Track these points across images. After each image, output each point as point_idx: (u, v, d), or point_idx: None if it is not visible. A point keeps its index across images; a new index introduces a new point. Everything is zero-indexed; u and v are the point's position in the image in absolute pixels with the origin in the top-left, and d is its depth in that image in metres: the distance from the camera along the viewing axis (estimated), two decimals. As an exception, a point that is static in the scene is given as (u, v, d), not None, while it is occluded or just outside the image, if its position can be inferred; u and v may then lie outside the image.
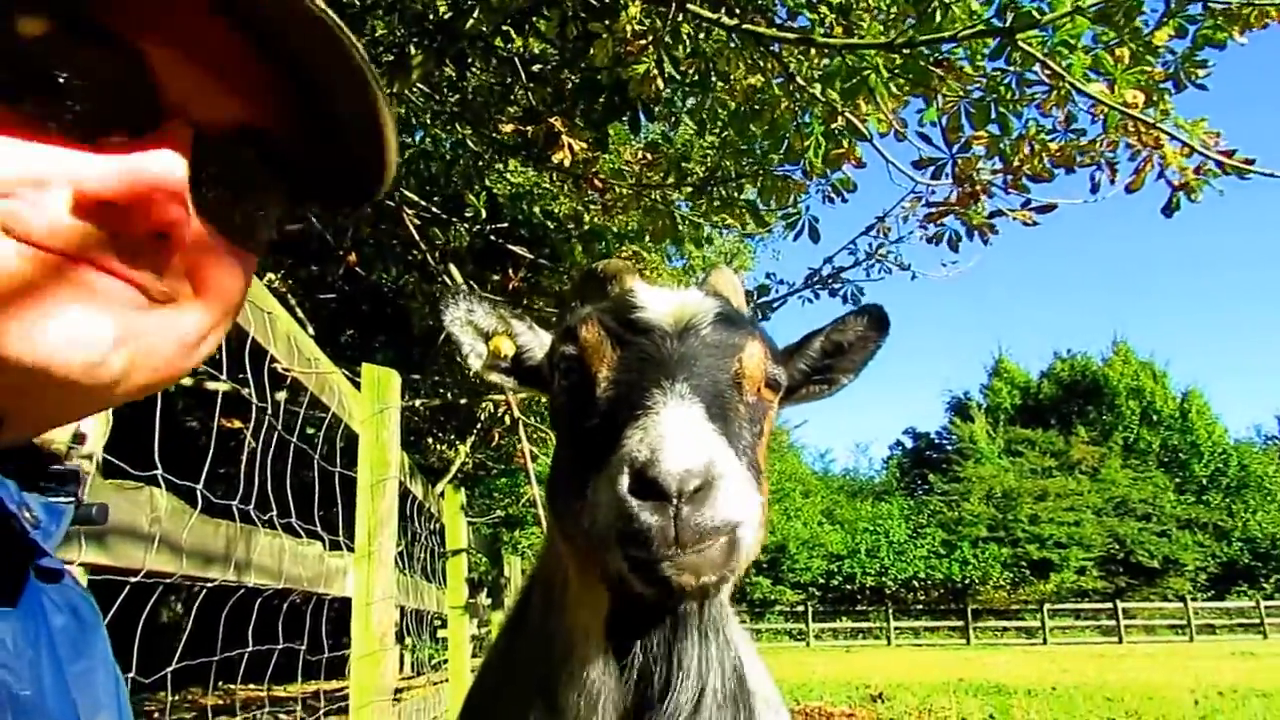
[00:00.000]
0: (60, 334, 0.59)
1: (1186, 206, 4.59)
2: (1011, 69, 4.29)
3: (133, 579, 1.72)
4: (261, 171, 0.73)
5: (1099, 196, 4.86)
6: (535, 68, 5.47)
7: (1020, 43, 3.68)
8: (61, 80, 0.59)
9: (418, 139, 6.53)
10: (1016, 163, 4.66)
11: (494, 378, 1.48)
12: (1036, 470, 41.29)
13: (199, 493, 2.01)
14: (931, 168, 4.73)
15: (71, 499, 0.76)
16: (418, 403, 8.13)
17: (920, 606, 37.59)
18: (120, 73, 0.62)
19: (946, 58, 4.35)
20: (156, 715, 6.52)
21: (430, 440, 11.81)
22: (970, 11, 3.98)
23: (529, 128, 4.59)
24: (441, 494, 7.15)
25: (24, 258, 0.57)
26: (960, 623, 33.23)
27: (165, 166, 0.62)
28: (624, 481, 0.98)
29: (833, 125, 4.35)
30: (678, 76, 4.75)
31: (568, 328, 1.29)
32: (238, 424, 2.89)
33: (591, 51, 3.74)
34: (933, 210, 5.24)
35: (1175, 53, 4.18)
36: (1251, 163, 4.20)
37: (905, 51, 4.17)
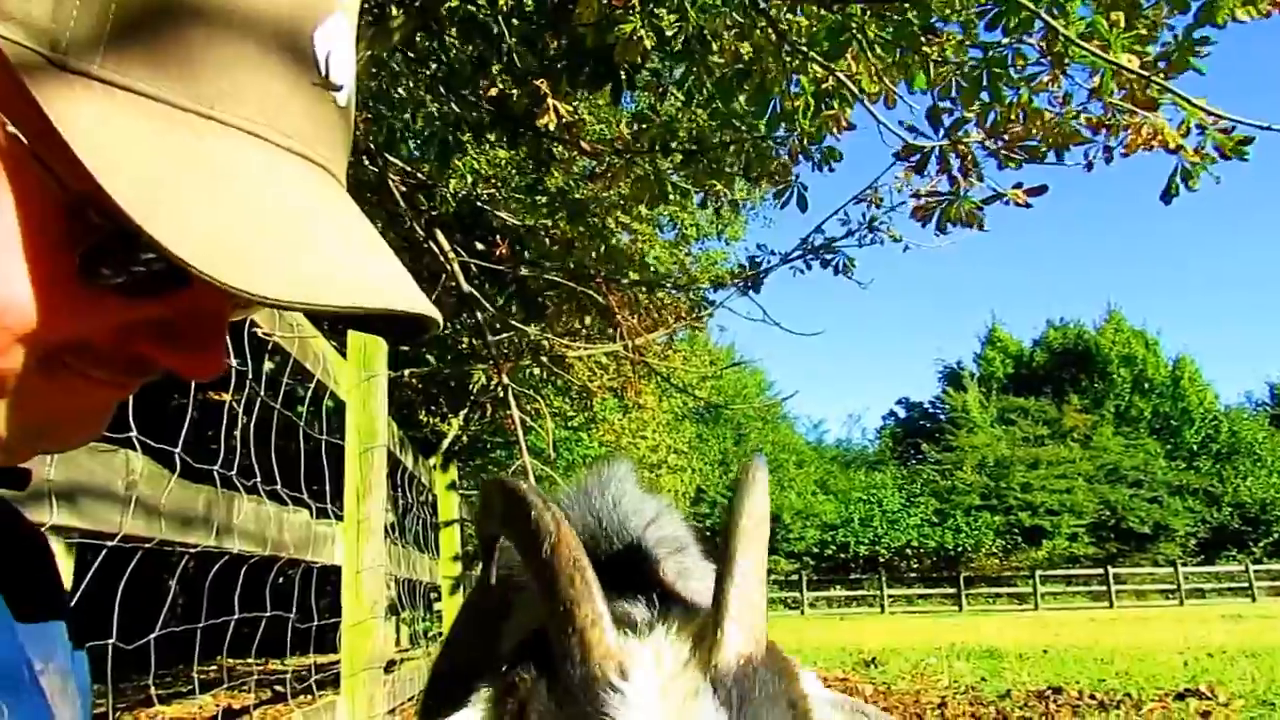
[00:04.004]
0: (90, 436, 0.65)
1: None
2: (1007, 41, 4.22)
3: (109, 543, 1.70)
4: None
5: (1094, 166, 4.79)
6: (513, 41, 5.38)
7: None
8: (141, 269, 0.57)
9: (403, 107, 6.44)
10: (1007, 134, 4.58)
11: None
12: (1029, 438, 41.51)
13: (177, 456, 1.98)
14: (917, 155, 4.65)
15: None
16: (406, 373, 8.09)
17: (913, 574, 37.92)
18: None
19: (934, 28, 4.29)
20: (150, 688, 6.53)
21: (422, 414, 11.80)
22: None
23: (514, 91, 4.53)
24: (434, 467, 7.16)
25: (79, 389, 0.60)
26: (953, 590, 33.52)
27: (216, 369, 0.62)
28: None
29: (823, 85, 4.29)
30: (664, 45, 4.67)
31: None
32: (225, 397, 2.85)
33: (577, 10, 3.66)
34: (920, 203, 5.17)
35: (1175, 29, 4.09)
36: (1250, 142, 4.09)
37: (895, 18, 4.11)
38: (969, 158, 4.67)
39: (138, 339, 0.59)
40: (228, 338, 0.66)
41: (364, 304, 0.54)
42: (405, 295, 0.58)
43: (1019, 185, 4.77)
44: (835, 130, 4.59)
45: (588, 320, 7.85)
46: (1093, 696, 7.14)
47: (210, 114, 0.53)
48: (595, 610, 0.86)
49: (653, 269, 8.44)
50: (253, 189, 0.54)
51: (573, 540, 0.90)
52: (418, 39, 5.13)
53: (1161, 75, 4.01)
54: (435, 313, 0.61)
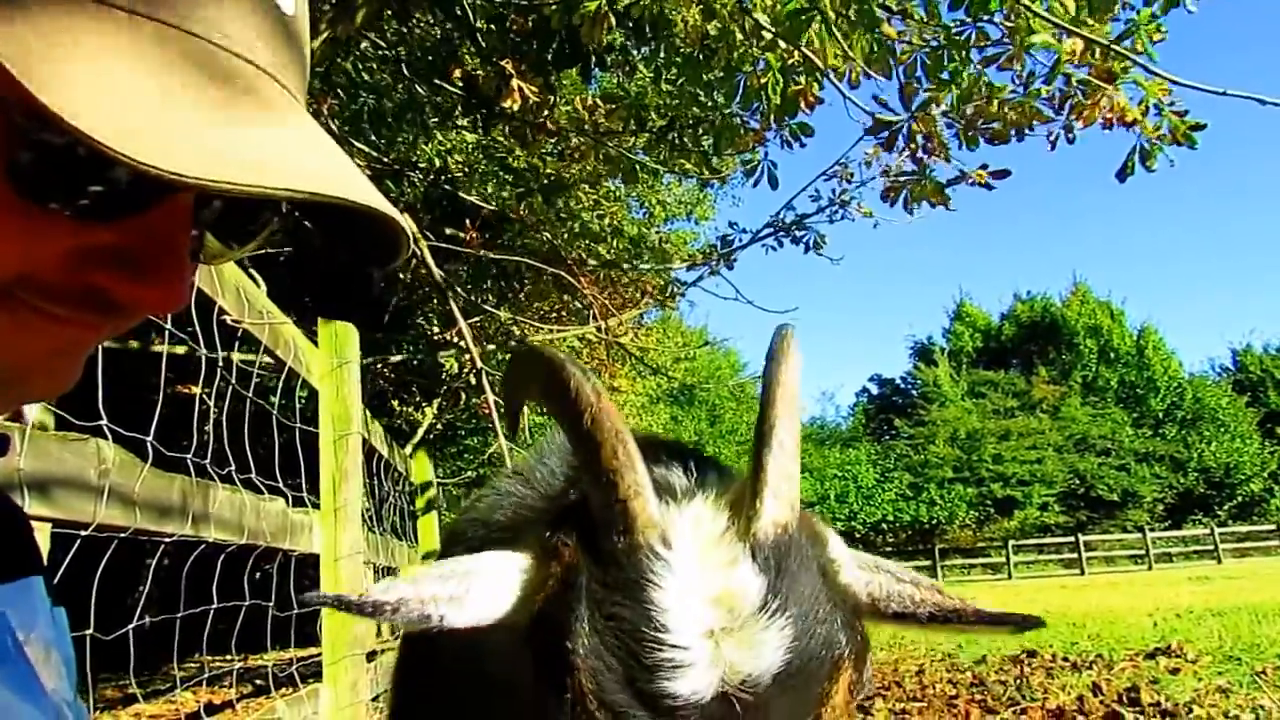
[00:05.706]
0: (66, 383, 0.63)
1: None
2: (969, 20, 4.23)
3: (83, 532, 1.67)
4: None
5: (1056, 145, 4.83)
6: (479, 24, 5.32)
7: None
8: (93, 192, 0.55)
9: (367, 93, 6.35)
10: (971, 111, 4.60)
11: None
12: (999, 411, 42.07)
13: (150, 445, 1.95)
14: (885, 132, 4.66)
15: None
16: (378, 361, 8.03)
17: (889, 548, 38.37)
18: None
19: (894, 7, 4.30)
20: (131, 684, 6.49)
21: (396, 403, 11.71)
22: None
23: (480, 72, 4.48)
24: (411, 456, 7.12)
25: (40, 328, 0.58)
26: (928, 562, 33.99)
27: (177, 300, 0.59)
28: None
29: (790, 62, 4.29)
30: (629, 23, 4.62)
31: (555, 664, 0.84)
32: (195, 389, 2.82)
33: (540, -12, 3.62)
34: (890, 183, 5.19)
35: (1137, 9, 4.13)
36: (1201, 128, 4.13)
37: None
38: (936, 138, 4.69)
39: (90, 268, 0.56)
40: (191, 274, 0.63)
41: (300, 187, 0.51)
42: (356, 189, 0.55)
43: (984, 166, 4.83)
44: (805, 105, 4.58)
45: (560, 302, 7.82)
46: (1066, 658, 7.28)
47: (134, 9, 0.51)
48: (638, 480, 0.87)
49: (625, 239, 8.40)
50: (177, 79, 0.52)
51: (613, 411, 0.91)
52: (383, 20, 5.06)
53: (1120, 49, 4.05)
54: (394, 212, 0.58)
